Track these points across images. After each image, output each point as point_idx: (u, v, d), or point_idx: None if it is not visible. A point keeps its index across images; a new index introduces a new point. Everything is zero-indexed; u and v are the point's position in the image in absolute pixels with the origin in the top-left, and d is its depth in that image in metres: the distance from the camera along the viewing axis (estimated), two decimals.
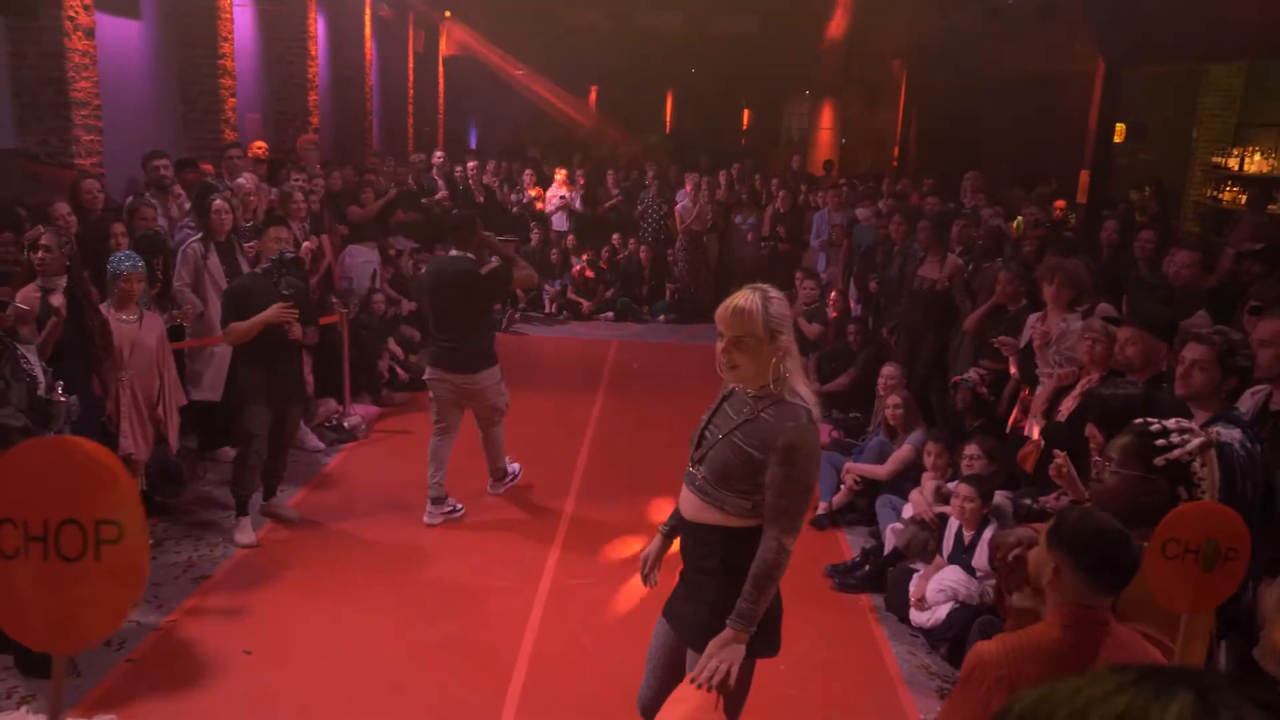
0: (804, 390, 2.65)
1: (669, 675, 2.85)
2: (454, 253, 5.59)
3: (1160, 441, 2.58)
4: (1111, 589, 2.21)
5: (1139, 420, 2.69)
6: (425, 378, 5.81)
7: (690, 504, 2.74)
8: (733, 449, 2.62)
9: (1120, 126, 11.15)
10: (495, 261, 5.55)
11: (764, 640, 2.72)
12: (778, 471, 2.56)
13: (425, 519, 5.59)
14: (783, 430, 2.57)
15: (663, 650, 2.92)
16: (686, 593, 2.80)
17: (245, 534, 5.26)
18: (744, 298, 2.65)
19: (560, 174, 12.65)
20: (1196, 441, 2.58)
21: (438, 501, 5.63)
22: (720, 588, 2.67)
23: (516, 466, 6.23)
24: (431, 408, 5.69)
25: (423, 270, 6.13)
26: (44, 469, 1.62)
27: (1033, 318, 5.28)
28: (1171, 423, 2.64)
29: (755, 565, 2.59)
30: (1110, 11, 9.25)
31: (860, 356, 7.54)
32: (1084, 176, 10.03)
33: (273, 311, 5.12)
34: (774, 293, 2.68)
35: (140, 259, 5.09)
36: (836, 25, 16.64)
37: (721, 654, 2.60)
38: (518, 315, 10.90)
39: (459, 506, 5.72)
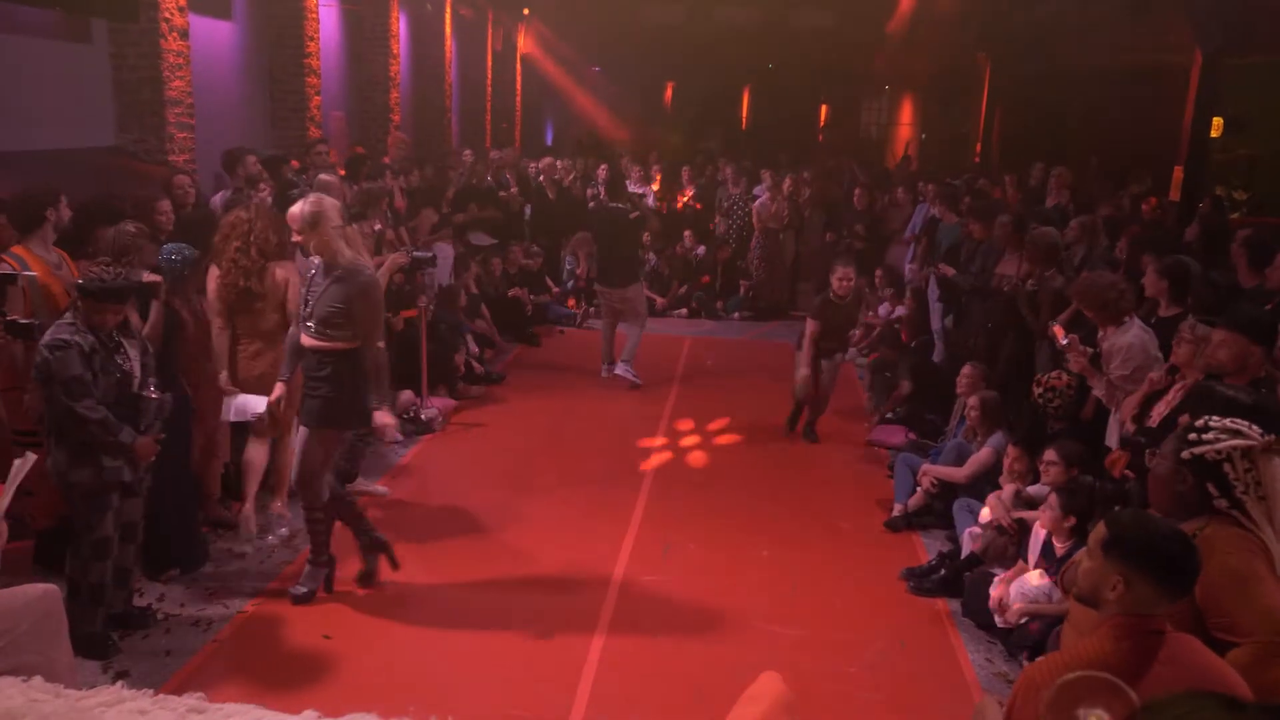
0: (354, 256, 4.15)
1: (301, 454, 4.33)
2: (611, 204, 8.41)
3: (1193, 436, 2.57)
4: (1182, 594, 2.12)
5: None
6: (594, 288, 8.88)
7: (308, 340, 4.21)
8: (329, 304, 4.11)
9: (1217, 120, 10.69)
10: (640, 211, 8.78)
11: (358, 417, 4.29)
12: (360, 309, 4.10)
13: (601, 374, 8.42)
14: (355, 284, 4.09)
15: (301, 439, 4.32)
16: (307, 393, 4.28)
17: None
18: (295, 206, 4.13)
19: (634, 170, 12.66)
20: (1231, 443, 2.50)
21: (609, 362, 8.38)
22: (328, 386, 4.18)
23: (637, 380, 8.20)
24: (601, 310, 8.63)
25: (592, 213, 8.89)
26: None
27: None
28: (1219, 420, 2.58)
29: (373, 368, 4.19)
30: None
31: (907, 364, 7.63)
32: (1178, 173, 9.66)
33: (391, 260, 5.57)
34: (318, 198, 4.15)
35: (187, 247, 4.94)
36: (917, 18, 16.29)
37: (382, 424, 4.31)
38: (592, 310, 10.91)
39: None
